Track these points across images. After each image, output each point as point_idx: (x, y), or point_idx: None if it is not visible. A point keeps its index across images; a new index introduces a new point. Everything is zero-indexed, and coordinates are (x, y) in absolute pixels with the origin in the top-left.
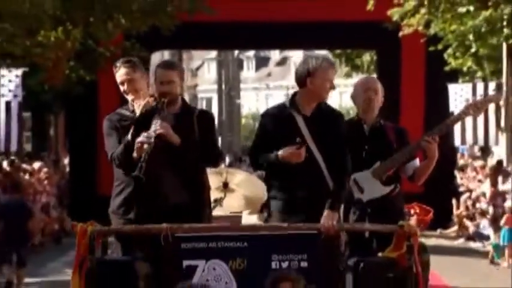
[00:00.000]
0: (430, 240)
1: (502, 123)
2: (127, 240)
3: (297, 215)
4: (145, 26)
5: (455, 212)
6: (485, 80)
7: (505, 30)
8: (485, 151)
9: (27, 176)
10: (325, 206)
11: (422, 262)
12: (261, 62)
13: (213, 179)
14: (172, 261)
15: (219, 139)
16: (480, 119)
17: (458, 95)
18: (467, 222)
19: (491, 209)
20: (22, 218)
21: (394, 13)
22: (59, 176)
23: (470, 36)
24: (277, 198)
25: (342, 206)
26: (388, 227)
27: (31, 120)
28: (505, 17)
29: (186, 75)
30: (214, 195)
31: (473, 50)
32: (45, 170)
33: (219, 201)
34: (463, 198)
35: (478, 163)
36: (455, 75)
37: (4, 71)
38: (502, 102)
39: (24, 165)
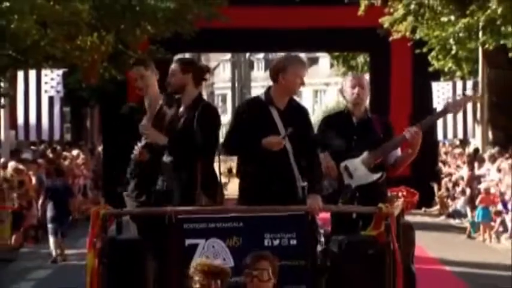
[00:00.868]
0: (416, 218)
1: (478, 117)
2: (141, 222)
3: (262, 197)
4: (168, 32)
5: (437, 193)
6: (463, 78)
7: (481, 36)
8: (464, 142)
9: (67, 162)
10: (309, 190)
11: (408, 239)
12: (269, 63)
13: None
14: (176, 240)
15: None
16: (459, 115)
17: (441, 92)
18: (448, 202)
19: (468, 191)
20: (64, 197)
21: (385, 21)
22: (94, 162)
23: (451, 41)
24: (248, 180)
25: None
26: (368, 208)
27: (70, 113)
28: (481, 24)
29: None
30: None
31: (453, 52)
32: (82, 156)
33: (224, 186)
34: (444, 181)
35: (457, 151)
36: (437, 75)
37: (47, 71)
38: (478, 96)
39: (65, 153)
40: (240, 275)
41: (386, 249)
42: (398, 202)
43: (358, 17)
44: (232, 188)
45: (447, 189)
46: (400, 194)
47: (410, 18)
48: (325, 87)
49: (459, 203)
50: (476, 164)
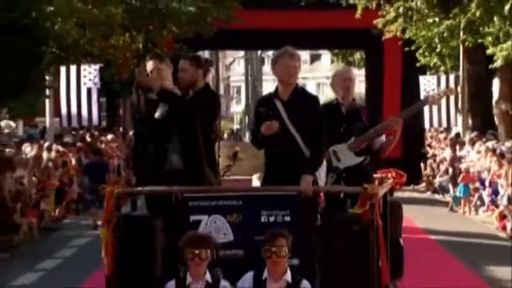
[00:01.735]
0: (405, 194)
1: (460, 106)
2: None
3: (280, 177)
4: (190, 32)
5: (423, 172)
6: (446, 73)
7: (461, 35)
8: (447, 128)
9: (103, 145)
10: (303, 171)
11: (396, 215)
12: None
13: (226, 150)
14: (182, 216)
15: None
16: (443, 106)
17: (427, 85)
18: (433, 180)
19: (450, 170)
20: (101, 173)
21: (379, 22)
22: (126, 145)
23: (436, 40)
24: (266, 165)
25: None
26: (355, 188)
27: (106, 103)
28: (462, 25)
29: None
30: (226, 162)
31: (437, 50)
32: (116, 140)
33: (229, 168)
34: (429, 162)
35: (441, 135)
36: (424, 69)
37: (86, 66)
38: (459, 90)
39: (101, 137)
40: (239, 248)
41: (370, 225)
42: (388, 182)
43: (355, 19)
44: (236, 169)
45: (432, 168)
46: (389, 175)
47: (400, 20)
48: (327, 80)
49: (443, 181)
50: (457, 147)
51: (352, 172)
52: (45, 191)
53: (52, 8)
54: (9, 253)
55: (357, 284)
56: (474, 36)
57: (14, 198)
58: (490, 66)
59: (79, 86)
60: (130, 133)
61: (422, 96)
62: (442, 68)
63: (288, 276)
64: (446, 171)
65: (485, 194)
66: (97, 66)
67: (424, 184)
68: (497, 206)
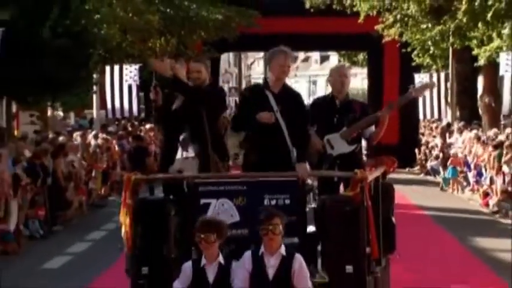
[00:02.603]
0: (401, 175)
1: (449, 100)
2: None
3: (262, 162)
4: (217, 36)
5: (417, 157)
6: (438, 71)
7: (451, 39)
8: (439, 120)
9: (142, 133)
10: (297, 160)
11: (388, 196)
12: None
13: (233, 139)
14: (193, 200)
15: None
16: (435, 99)
17: (421, 82)
18: (425, 163)
19: (441, 155)
20: (142, 156)
21: (379, 27)
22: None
23: (429, 43)
24: (250, 151)
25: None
26: (347, 173)
27: (144, 97)
28: (451, 30)
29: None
30: (234, 150)
31: (430, 51)
32: (153, 129)
33: (237, 155)
34: (422, 148)
35: (433, 125)
36: (418, 68)
37: (127, 66)
38: (449, 86)
39: (140, 127)
40: (244, 228)
41: (361, 206)
42: (381, 167)
43: (358, 25)
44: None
45: (425, 154)
46: (383, 160)
47: (397, 26)
48: None
49: (434, 164)
50: (447, 135)
51: (345, 159)
52: (93, 173)
53: (99, 16)
54: (63, 226)
55: (348, 257)
56: (461, 39)
57: (67, 179)
58: (475, 65)
59: (121, 83)
60: None
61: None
62: (434, 67)
63: (283, 250)
64: (437, 156)
65: (471, 175)
66: (137, 66)
67: (418, 167)
68: (481, 186)
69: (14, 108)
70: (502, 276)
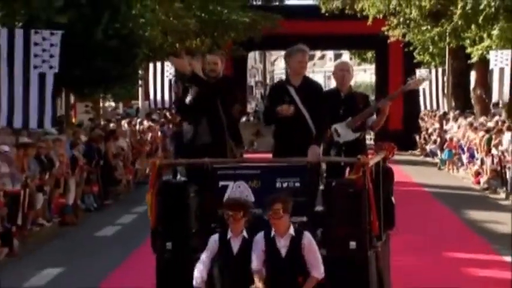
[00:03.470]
0: (404, 157)
1: (445, 92)
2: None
3: (290, 149)
4: (245, 37)
5: (418, 141)
6: (436, 67)
7: (448, 39)
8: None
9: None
10: (311, 143)
11: (389, 179)
12: (310, 57)
13: (250, 128)
14: (212, 182)
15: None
16: (434, 91)
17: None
18: (425, 147)
19: (438, 139)
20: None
21: (385, 29)
22: None
23: (428, 42)
24: (279, 141)
25: (325, 145)
26: (350, 159)
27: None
28: (448, 31)
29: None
30: (250, 138)
31: (429, 50)
32: None
33: (252, 142)
34: (423, 133)
35: (432, 114)
36: (419, 64)
37: (168, 63)
38: (445, 79)
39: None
40: (258, 208)
41: (363, 188)
42: (382, 153)
43: (367, 27)
44: (259, 144)
45: (425, 138)
46: (383, 147)
47: (401, 27)
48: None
49: (432, 147)
50: (444, 122)
51: (350, 145)
52: (138, 155)
53: (143, 20)
54: (113, 200)
55: (352, 233)
56: (457, 39)
57: (116, 160)
58: (469, 61)
59: (163, 78)
60: None
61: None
62: (433, 63)
63: (292, 231)
64: (435, 141)
65: (464, 157)
66: None
67: (418, 150)
68: (473, 166)
69: (71, 99)
70: (491, 243)
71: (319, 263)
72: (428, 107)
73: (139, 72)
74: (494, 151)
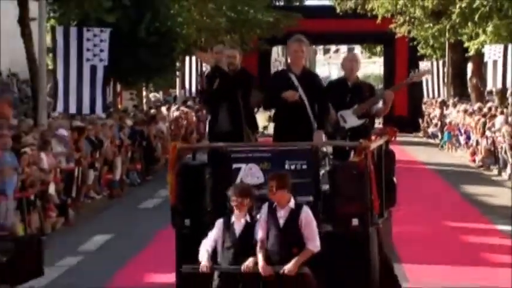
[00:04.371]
0: (409, 138)
1: (445, 81)
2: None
3: (290, 134)
4: (269, 34)
5: (421, 124)
6: (437, 59)
7: (447, 35)
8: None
9: None
10: (309, 128)
11: (391, 160)
12: (326, 51)
13: (263, 114)
14: (226, 165)
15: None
16: (435, 81)
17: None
18: (427, 129)
19: (439, 123)
20: None
21: (393, 27)
22: None
23: (430, 38)
24: (279, 125)
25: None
26: (353, 143)
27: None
28: (447, 28)
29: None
30: (263, 123)
31: (431, 45)
32: None
33: (266, 128)
34: (425, 117)
35: (434, 100)
36: (422, 57)
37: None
38: (445, 70)
39: None
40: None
41: (364, 170)
42: (385, 136)
43: (377, 24)
44: (271, 129)
45: (427, 122)
46: (386, 131)
47: (406, 25)
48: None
49: (434, 130)
50: (444, 108)
51: (355, 131)
52: (175, 137)
53: (180, 19)
54: (154, 176)
55: (355, 210)
56: (455, 35)
57: (156, 141)
58: (466, 55)
59: (197, 69)
60: None
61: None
62: (434, 56)
63: (292, 203)
64: (436, 124)
65: (462, 138)
66: None
67: (421, 132)
68: (469, 146)
69: (118, 88)
70: (484, 214)
71: (316, 237)
72: (431, 95)
73: (177, 64)
74: (488, 133)
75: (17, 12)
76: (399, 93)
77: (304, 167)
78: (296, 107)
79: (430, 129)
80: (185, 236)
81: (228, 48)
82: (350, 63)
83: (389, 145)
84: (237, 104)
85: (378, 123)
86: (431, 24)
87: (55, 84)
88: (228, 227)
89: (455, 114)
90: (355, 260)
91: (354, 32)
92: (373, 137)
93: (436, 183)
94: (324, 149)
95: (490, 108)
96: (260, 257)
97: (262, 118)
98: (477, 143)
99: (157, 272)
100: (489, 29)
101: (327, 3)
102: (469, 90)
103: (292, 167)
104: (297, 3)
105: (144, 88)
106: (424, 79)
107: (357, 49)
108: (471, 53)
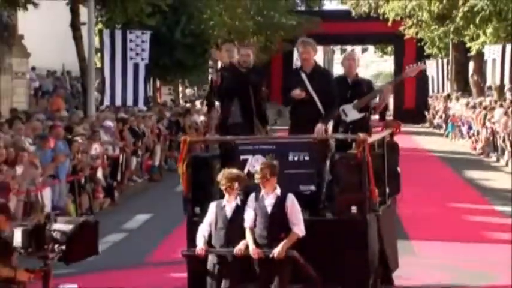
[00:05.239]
0: (416, 129)
1: (449, 78)
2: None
3: (302, 128)
4: (291, 36)
5: (427, 116)
6: (442, 58)
7: (451, 36)
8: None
9: None
10: (319, 121)
11: (394, 151)
12: (343, 51)
13: (273, 109)
14: (234, 156)
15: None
16: (440, 77)
17: (431, 66)
18: (433, 120)
19: (444, 115)
20: None
21: (402, 29)
22: None
23: (436, 39)
24: (293, 119)
25: (333, 124)
26: (352, 136)
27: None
28: (451, 30)
29: None
30: (274, 117)
31: (437, 45)
32: None
33: (276, 121)
34: (431, 110)
35: (439, 94)
36: (429, 56)
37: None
38: (449, 68)
39: None
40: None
41: (362, 161)
42: (389, 129)
43: (388, 27)
44: (281, 122)
45: (433, 114)
46: (391, 124)
47: (414, 27)
48: (371, 63)
49: (439, 121)
50: (448, 101)
51: (356, 124)
52: (208, 128)
53: (213, 22)
54: None
55: (355, 199)
56: (458, 36)
57: (191, 131)
58: (468, 54)
59: None
60: None
61: (428, 73)
62: (439, 55)
63: (278, 191)
64: (441, 116)
65: (464, 129)
66: None
67: (428, 123)
68: (471, 136)
69: (158, 84)
70: (484, 196)
71: (301, 221)
72: (436, 90)
73: (209, 62)
74: (488, 124)
75: (69, 17)
76: (407, 89)
77: (307, 158)
78: (307, 103)
79: (436, 121)
80: (195, 223)
81: (242, 46)
82: (348, 62)
83: (393, 137)
84: (249, 99)
85: (389, 115)
86: (437, 27)
87: (102, 80)
88: (220, 209)
89: (458, 107)
90: (355, 243)
91: (368, 33)
92: (379, 129)
93: (440, 168)
94: (332, 142)
95: (489, 102)
96: (250, 241)
97: (272, 112)
98: (478, 132)
99: None
100: (489, 30)
101: (344, 7)
102: (471, 85)
103: (296, 158)
104: (316, 8)
105: (180, 84)
106: (430, 76)
107: (371, 48)
108: (473, 52)
